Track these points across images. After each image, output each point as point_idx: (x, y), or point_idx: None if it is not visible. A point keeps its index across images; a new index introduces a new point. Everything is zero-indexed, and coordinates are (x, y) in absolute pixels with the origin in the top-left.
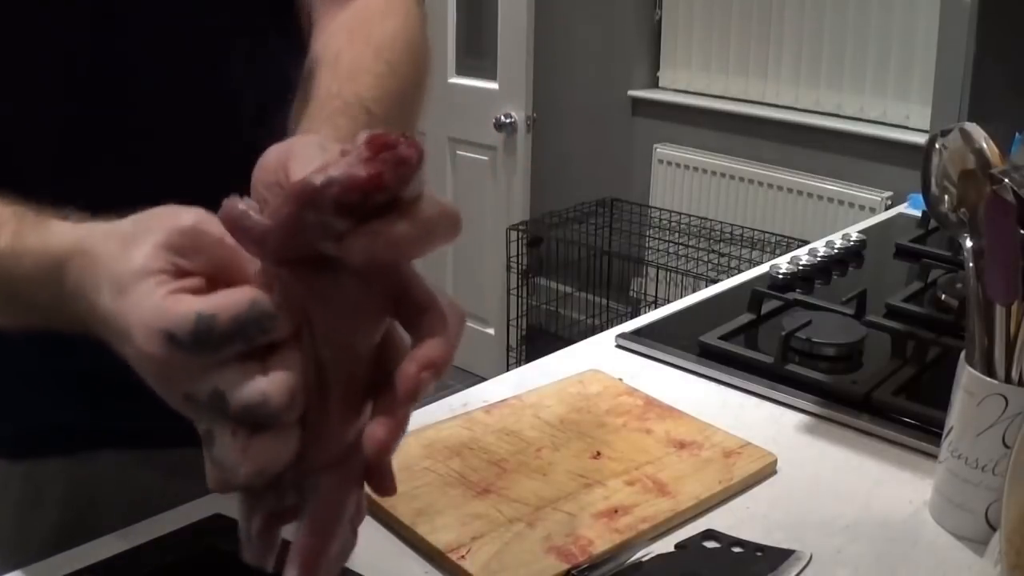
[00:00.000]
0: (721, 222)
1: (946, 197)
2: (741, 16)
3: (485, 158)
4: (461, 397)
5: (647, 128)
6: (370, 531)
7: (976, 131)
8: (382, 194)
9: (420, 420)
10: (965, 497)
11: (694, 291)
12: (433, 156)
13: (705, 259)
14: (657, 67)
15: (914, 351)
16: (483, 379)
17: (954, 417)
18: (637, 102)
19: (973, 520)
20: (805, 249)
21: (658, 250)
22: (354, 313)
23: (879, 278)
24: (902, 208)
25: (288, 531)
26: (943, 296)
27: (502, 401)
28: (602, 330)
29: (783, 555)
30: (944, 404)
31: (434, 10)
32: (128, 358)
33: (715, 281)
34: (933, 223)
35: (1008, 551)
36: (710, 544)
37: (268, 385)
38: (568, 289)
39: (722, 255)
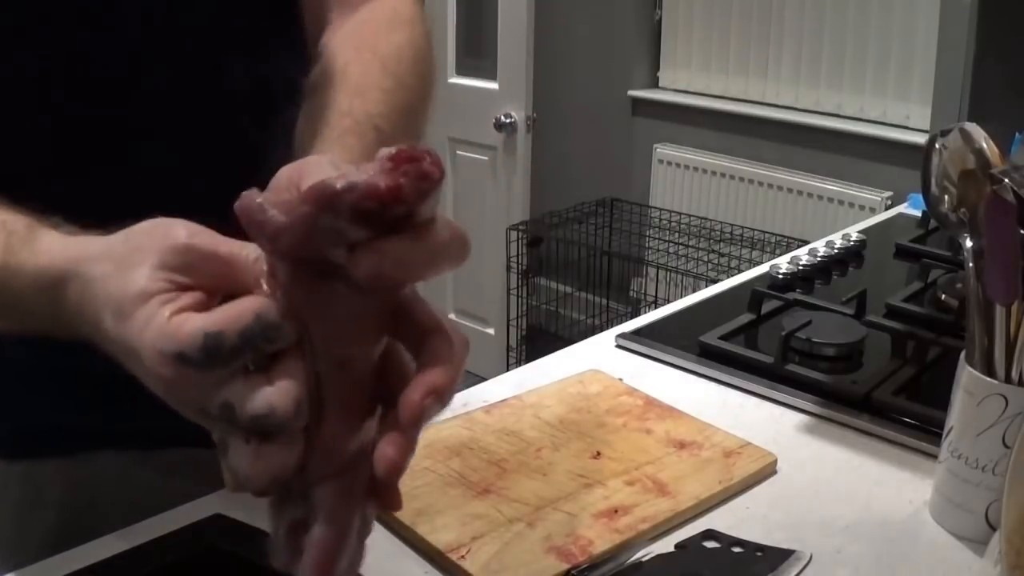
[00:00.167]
0: (721, 222)
1: (946, 197)
2: (741, 16)
3: (485, 158)
4: (461, 397)
5: (647, 128)
6: (370, 531)
7: (976, 131)
8: (400, 206)
9: None
10: (965, 497)
11: (694, 291)
12: None
13: (705, 259)
14: (657, 67)
15: (914, 351)
16: (483, 379)
17: (954, 417)
18: (637, 102)
19: (973, 520)
20: (805, 249)
21: (658, 250)
22: (351, 326)
23: (879, 278)
24: (902, 208)
25: None
26: (943, 296)
27: (502, 401)
28: (602, 330)
29: (783, 555)
30: (944, 404)
31: (434, 10)
32: (139, 377)
33: (715, 281)
34: (933, 223)
35: (1008, 551)
36: (710, 544)
37: (274, 396)
38: (568, 289)
39: (722, 255)
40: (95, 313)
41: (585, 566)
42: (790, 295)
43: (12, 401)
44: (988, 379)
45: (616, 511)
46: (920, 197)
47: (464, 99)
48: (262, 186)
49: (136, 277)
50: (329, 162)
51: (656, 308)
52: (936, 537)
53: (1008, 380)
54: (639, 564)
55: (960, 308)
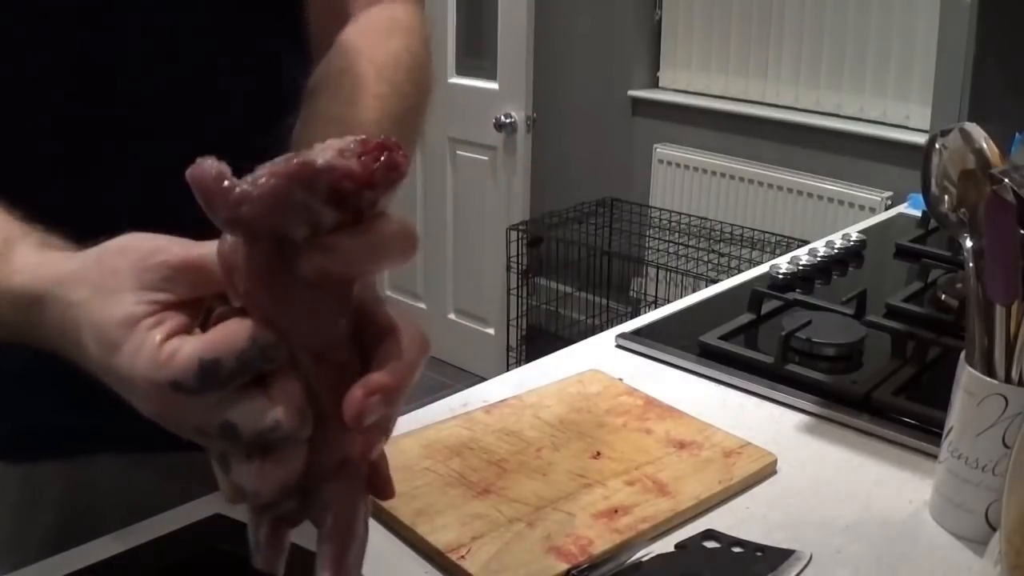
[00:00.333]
0: (721, 222)
1: (946, 197)
2: (741, 16)
3: (485, 158)
4: (461, 397)
5: (647, 128)
6: (370, 531)
7: (976, 131)
8: (372, 192)
9: (420, 420)
10: (965, 497)
11: (694, 291)
12: (433, 156)
13: (705, 259)
14: (657, 67)
15: (914, 351)
16: (483, 379)
17: (954, 417)
18: (637, 102)
19: (973, 520)
20: (805, 249)
21: (658, 250)
22: (314, 316)
23: (879, 278)
24: (902, 208)
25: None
26: (943, 296)
27: (502, 401)
28: (602, 330)
29: (783, 555)
30: (944, 404)
31: (434, 10)
32: (131, 401)
33: (715, 281)
34: (933, 223)
35: (1008, 551)
36: (710, 544)
37: (278, 411)
38: (568, 289)
39: (722, 255)
40: (78, 339)
41: (585, 566)
42: (790, 295)
43: (11, 403)
44: (988, 379)
45: (616, 511)
46: (920, 197)
47: (464, 99)
48: None
49: (118, 303)
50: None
51: (656, 308)
52: (936, 537)
53: (1008, 380)
54: (639, 564)
55: (960, 308)
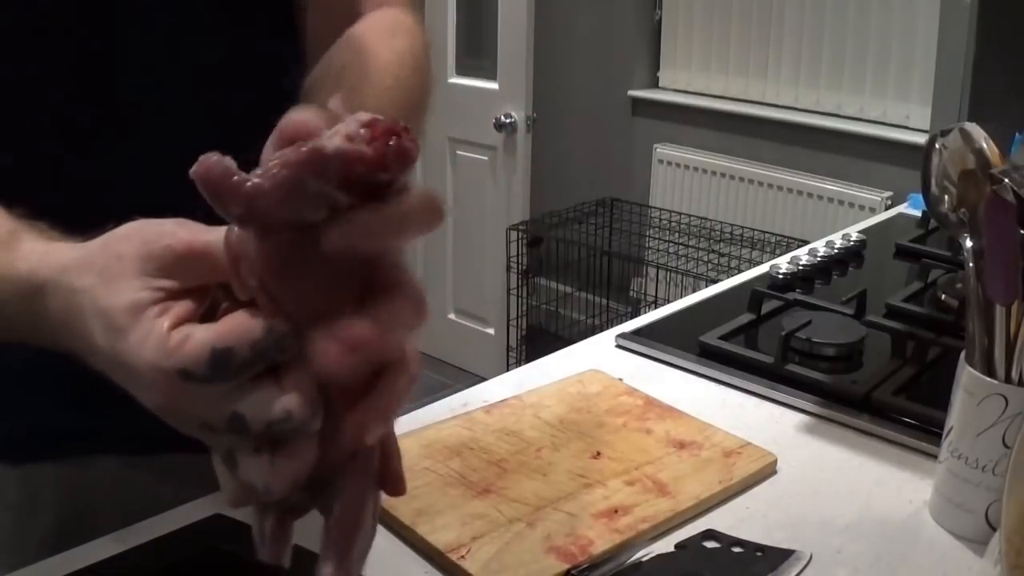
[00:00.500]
0: (721, 222)
1: (946, 197)
2: (741, 16)
3: (485, 158)
4: (461, 397)
5: (647, 128)
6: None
7: (976, 131)
8: (385, 173)
9: (420, 420)
10: (965, 497)
11: (694, 291)
12: (433, 156)
13: (705, 259)
14: (657, 67)
15: (914, 351)
16: (483, 379)
17: (954, 417)
18: (637, 102)
19: (973, 520)
20: (805, 249)
21: (658, 250)
22: (328, 298)
23: (879, 278)
24: (902, 208)
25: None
26: (943, 296)
27: (502, 401)
28: (602, 330)
29: (783, 555)
30: (944, 404)
31: (434, 10)
32: (131, 391)
33: (715, 281)
34: (933, 223)
35: (1008, 551)
36: (710, 544)
37: (290, 401)
38: (568, 289)
39: (722, 255)
40: (83, 327)
41: (585, 566)
42: (790, 295)
43: (9, 404)
44: (988, 379)
45: (616, 511)
46: (920, 197)
47: (464, 99)
48: None
49: (124, 288)
50: (314, 113)
51: (656, 308)
52: (936, 537)
53: (1008, 380)
54: (639, 564)
55: (960, 308)
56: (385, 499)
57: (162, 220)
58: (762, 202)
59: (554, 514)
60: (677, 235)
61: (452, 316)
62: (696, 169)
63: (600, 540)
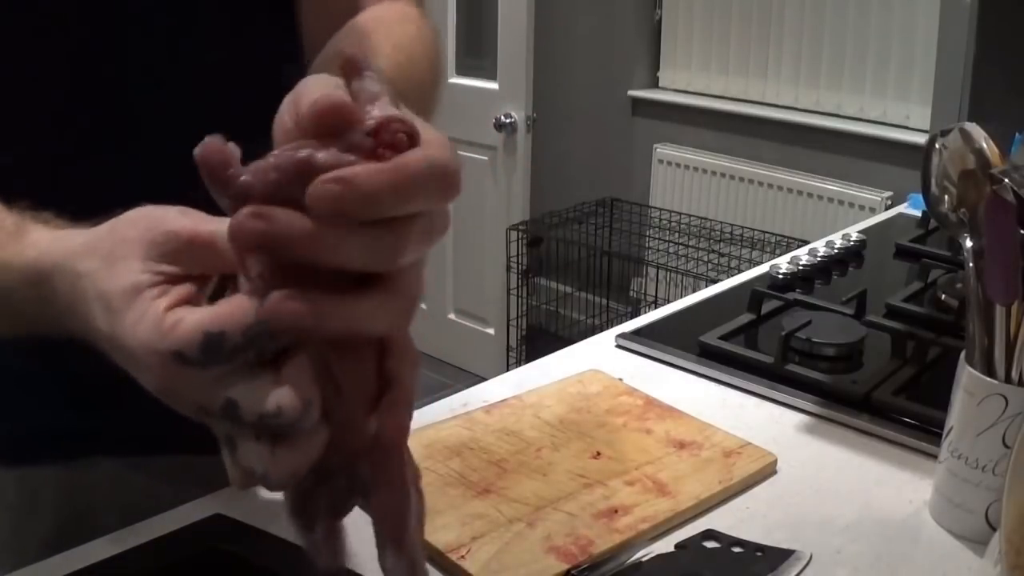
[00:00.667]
0: (721, 222)
1: (946, 197)
2: (741, 16)
3: (485, 158)
4: (461, 397)
5: (647, 128)
6: (370, 531)
7: (976, 131)
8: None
9: (420, 420)
10: (965, 497)
11: (694, 291)
12: None
13: (705, 259)
14: (657, 67)
15: (914, 351)
16: (483, 379)
17: (954, 417)
18: (637, 102)
19: (973, 520)
20: (805, 249)
21: (658, 250)
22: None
23: (879, 278)
24: (902, 208)
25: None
26: (943, 296)
27: (502, 401)
28: (602, 330)
29: (783, 555)
30: (944, 404)
31: (434, 10)
32: (133, 374)
33: (715, 281)
34: (933, 223)
35: (1008, 551)
36: (710, 544)
37: (282, 396)
38: (568, 289)
39: (722, 255)
40: (86, 310)
41: (585, 566)
42: (790, 295)
43: (8, 405)
44: (988, 379)
45: (616, 511)
46: (920, 197)
47: (464, 99)
48: None
49: (125, 271)
50: (329, 82)
51: (656, 308)
52: (936, 537)
53: (1008, 380)
54: (639, 564)
55: (960, 308)
56: None
57: (168, 207)
58: (762, 202)
59: (554, 514)
60: (677, 235)
61: (452, 316)
62: (696, 169)
63: (600, 540)
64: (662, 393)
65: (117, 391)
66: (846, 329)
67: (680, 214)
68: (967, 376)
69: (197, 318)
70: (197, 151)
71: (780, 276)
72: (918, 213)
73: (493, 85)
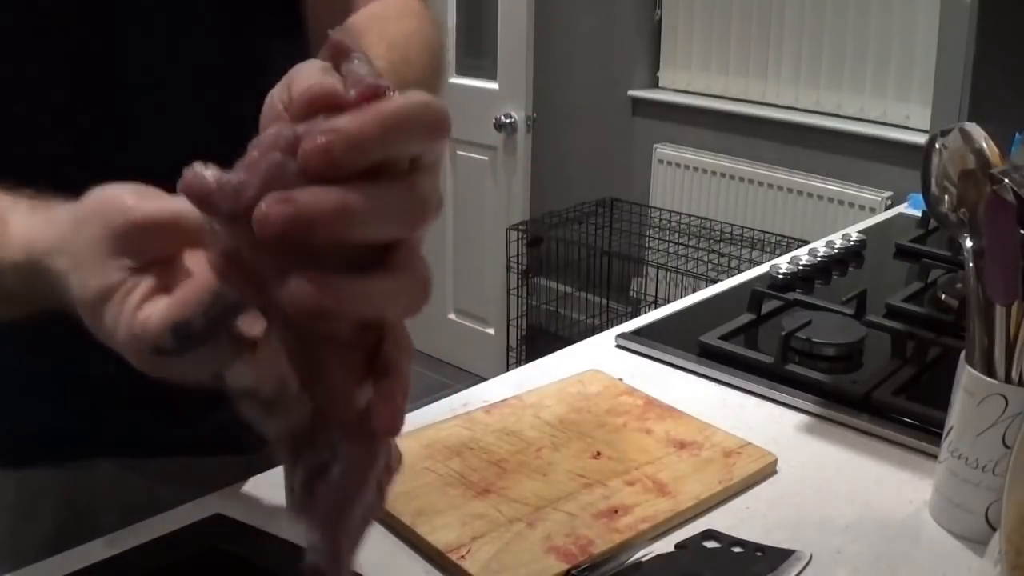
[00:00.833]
0: (721, 222)
1: (946, 197)
2: (741, 16)
3: (485, 158)
4: (461, 397)
5: (647, 128)
6: (370, 531)
7: (976, 131)
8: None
9: (420, 420)
10: (965, 497)
11: (694, 291)
12: None
13: (705, 259)
14: (657, 67)
15: (914, 351)
16: (483, 379)
17: (954, 417)
18: (637, 102)
19: (973, 520)
20: (805, 249)
21: (658, 250)
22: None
23: (879, 278)
24: (902, 208)
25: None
26: (943, 296)
27: (502, 401)
28: (602, 330)
29: (783, 555)
30: (944, 404)
31: (434, 10)
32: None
33: (715, 281)
34: (933, 223)
35: (1008, 551)
36: (710, 544)
37: (255, 376)
38: (568, 289)
39: (722, 255)
40: (75, 308)
41: (585, 566)
42: (790, 295)
43: (8, 407)
44: (988, 379)
45: (616, 511)
46: (920, 197)
47: (464, 99)
48: None
49: (93, 275)
50: (320, 67)
51: (656, 308)
52: (936, 537)
53: (1008, 380)
54: (639, 564)
55: (960, 308)
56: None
57: (127, 191)
58: (762, 202)
59: (554, 514)
60: (677, 235)
61: (452, 316)
62: (696, 169)
63: (600, 540)
64: (662, 393)
65: (116, 392)
66: (846, 329)
67: (680, 214)
68: (967, 376)
69: (163, 312)
70: (181, 185)
71: (780, 276)
72: (918, 213)
73: (493, 85)
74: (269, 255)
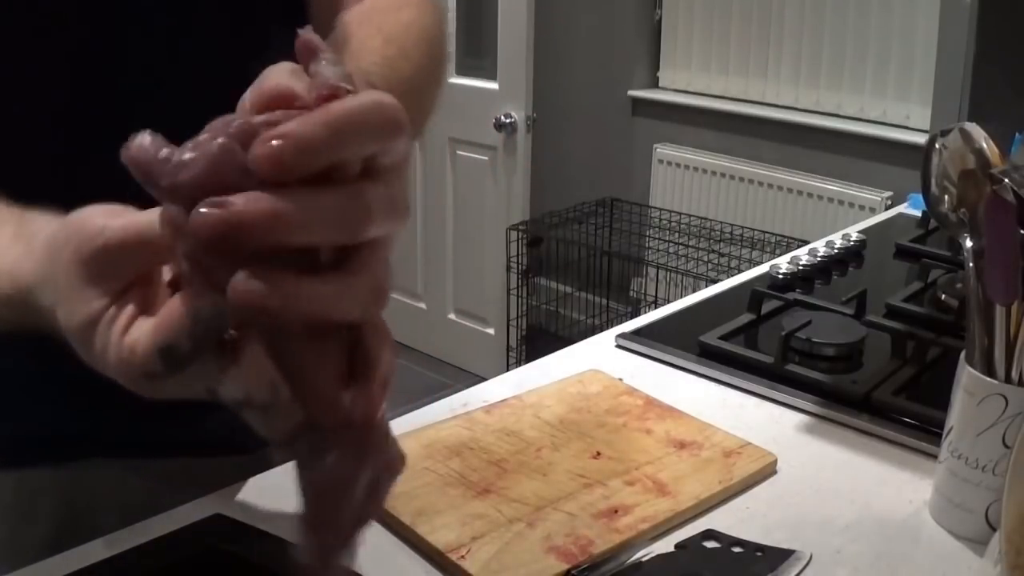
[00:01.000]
0: (721, 222)
1: (946, 197)
2: (741, 16)
3: (485, 158)
4: (461, 397)
5: (647, 128)
6: (370, 531)
7: (976, 131)
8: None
9: (420, 420)
10: (965, 497)
11: (694, 291)
12: (433, 156)
13: (705, 259)
14: (657, 67)
15: (914, 351)
16: (483, 379)
17: (954, 417)
18: (637, 102)
19: (973, 520)
20: (805, 249)
21: (658, 250)
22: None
23: (879, 278)
24: (902, 208)
25: None
26: (943, 296)
27: (502, 401)
28: (602, 330)
29: (783, 555)
30: (944, 404)
31: None
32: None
33: (715, 281)
34: (933, 223)
35: (1008, 551)
36: (710, 544)
37: (246, 385)
38: (568, 289)
39: (722, 255)
40: (65, 339)
41: (585, 566)
42: (790, 295)
43: (7, 408)
44: (988, 379)
45: (616, 511)
46: (920, 197)
47: (464, 99)
48: None
49: (74, 309)
50: (290, 70)
51: (656, 308)
52: (936, 537)
53: (1008, 380)
54: (639, 564)
55: (960, 308)
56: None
57: (97, 212)
58: (762, 202)
59: (554, 514)
60: (677, 235)
61: (452, 316)
62: (696, 169)
63: (600, 540)
64: (662, 393)
65: (115, 394)
66: (846, 329)
67: (680, 214)
68: (967, 376)
69: (148, 339)
70: (124, 155)
71: (780, 276)
72: (918, 213)
73: (493, 85)
74: (218, 255)
